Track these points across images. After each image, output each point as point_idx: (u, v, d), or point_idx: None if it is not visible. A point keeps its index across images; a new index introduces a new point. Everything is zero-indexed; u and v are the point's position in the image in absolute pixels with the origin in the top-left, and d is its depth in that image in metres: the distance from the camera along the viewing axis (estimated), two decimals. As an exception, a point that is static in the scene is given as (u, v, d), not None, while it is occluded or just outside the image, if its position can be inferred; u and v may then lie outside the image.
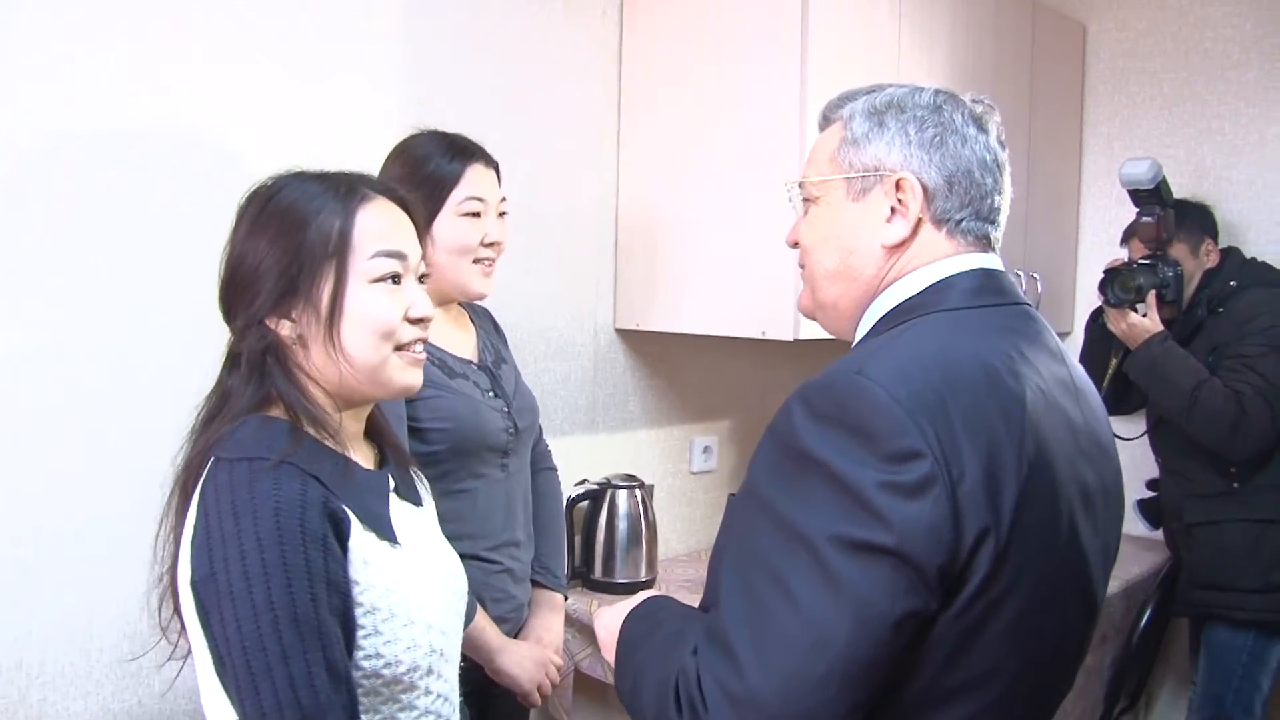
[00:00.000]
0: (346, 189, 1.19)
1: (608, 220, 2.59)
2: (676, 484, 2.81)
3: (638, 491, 2.45)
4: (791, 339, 2.25)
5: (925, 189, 1.11)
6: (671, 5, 2.48)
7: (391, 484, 1.25)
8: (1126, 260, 2.64)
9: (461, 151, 1.75)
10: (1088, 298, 3.30)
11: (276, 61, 1.95)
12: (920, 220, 1.12)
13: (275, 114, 1.94)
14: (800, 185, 1.21)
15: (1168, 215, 2.52)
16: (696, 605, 1.17)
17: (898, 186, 1.12)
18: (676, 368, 2.78)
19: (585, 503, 2.44)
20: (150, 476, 1.26)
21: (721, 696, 0.95)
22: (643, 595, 1.27)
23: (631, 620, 1.20)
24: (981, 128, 1.16)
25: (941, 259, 1.12)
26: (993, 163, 1.15)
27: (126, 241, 1.77)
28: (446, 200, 1.72)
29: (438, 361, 1.73)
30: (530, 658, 1.76)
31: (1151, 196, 2.49)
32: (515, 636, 1.81)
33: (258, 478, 1.07)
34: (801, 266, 1.23)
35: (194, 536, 1.08)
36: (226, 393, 1.18)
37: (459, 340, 1.83)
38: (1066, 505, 1.04)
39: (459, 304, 1.88)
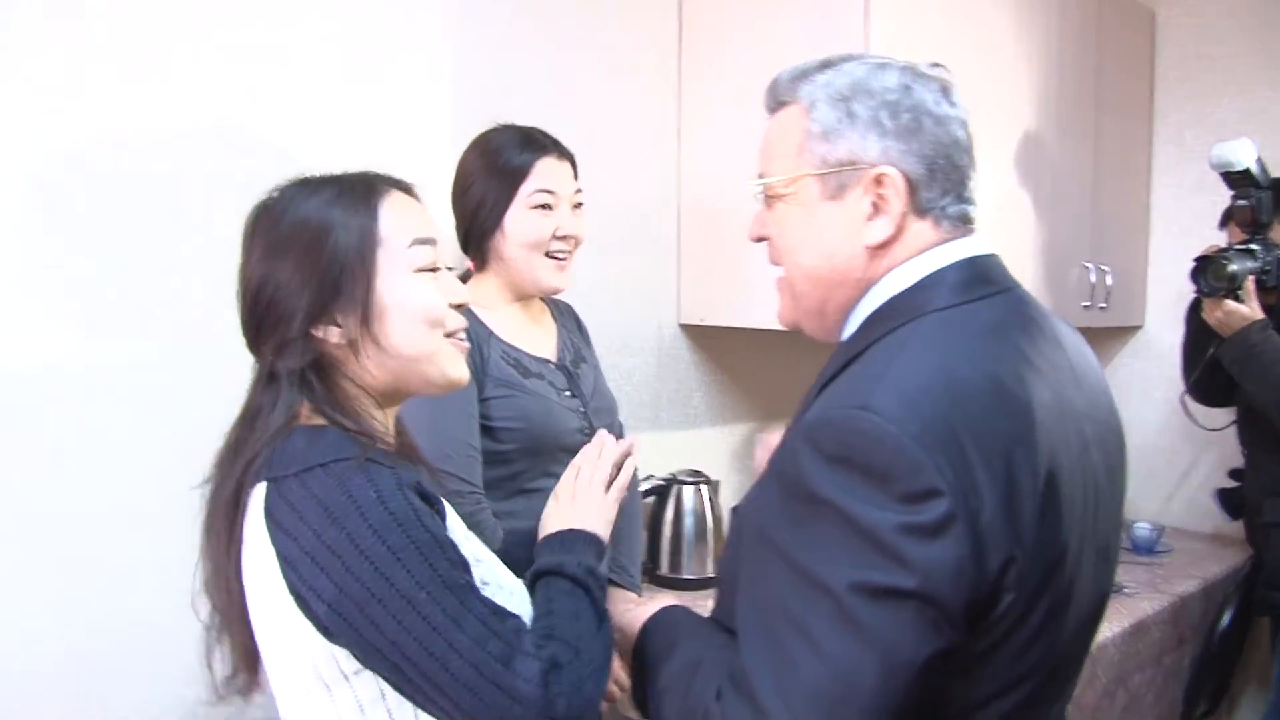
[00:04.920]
0: (366, 187, 1.17)
1: (670, 214, 2.57)
2: (742, 480, 2.78)
3: (703, 488, 2.43)
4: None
5: (908, 181, 1.04)
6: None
7: None
8: (1223, 246, 2.52)
9: (532, 144, 1.75)
10: (1159, 291, 3.23)
11: (328, 60, 1.95)
12: (904, 215, 1.05)
13: (326, 114, 1.94)
14: (766, 183, 1.11)
15: (1264, 197, 2.39)
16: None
17: (878, 182, 1.04)
18: (741, 363, 2.76)
19: (651, 499, 2.42)
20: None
21: None
22: (658, 604, 1.25)
23: (648, 633, 1.18)
24: (950, 100, 1.07)
25: (927, 249, 1.06)
26: (966, 138, 1.08)
27: (184, 247, 1.76)
28: (517, 193, 1.72)
29: (513, 361, 1.73)
30: None
31: (1245, 179, 2.37)
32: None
33: (348, 477, 1.04)
34: (775, 265, 1.15)
35: (290, 568, 1.03)
36: (255, 413, 1.14)
37: (538, 338, 1.83)
38: (1081, 503, 1.01)
39: (541, 300, 1.87)
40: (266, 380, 1.13)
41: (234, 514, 1.10)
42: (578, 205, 1.81)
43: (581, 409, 1.79)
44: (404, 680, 1.03)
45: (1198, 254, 2.50)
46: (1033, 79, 2.68)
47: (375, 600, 1.01)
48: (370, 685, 1.06)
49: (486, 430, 1.66)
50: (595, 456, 1.36)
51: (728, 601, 1.08)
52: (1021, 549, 0.92)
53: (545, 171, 1.74)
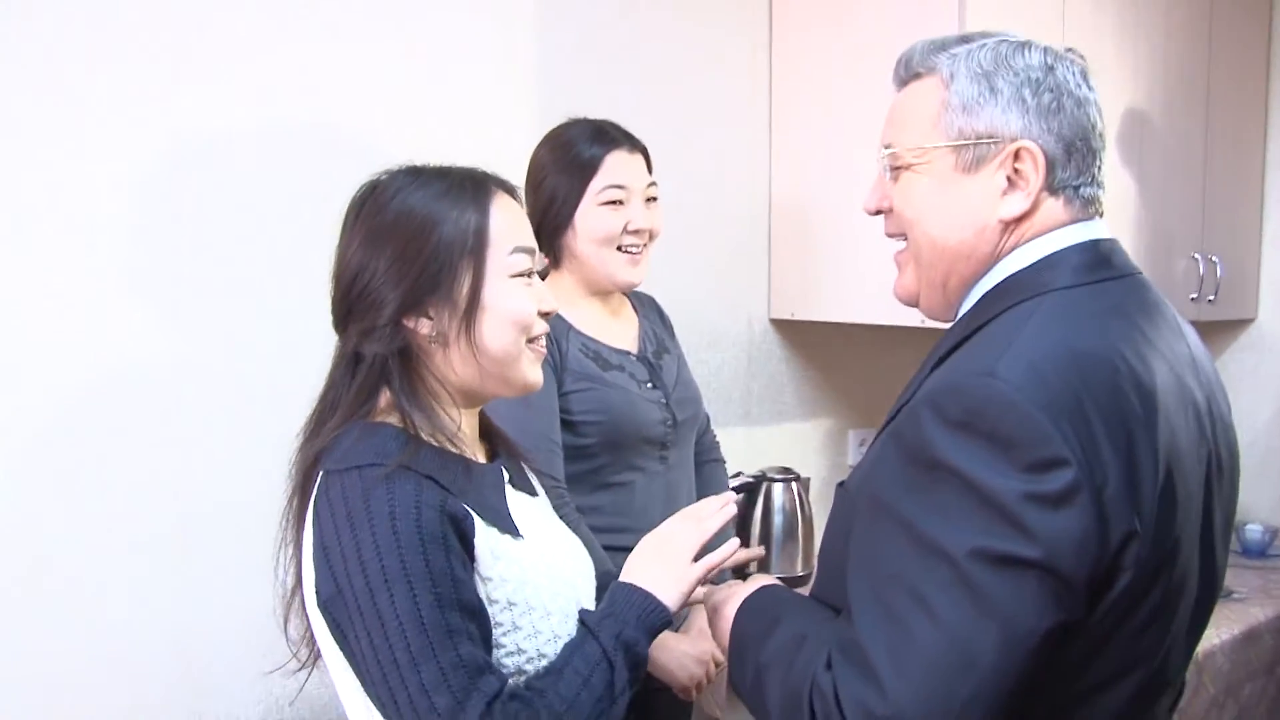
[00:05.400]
0: (475, 185, 1.18)
1: (760, 208, 2.54)
2: (834, 478, 2.74)
3: (794, 485, 2.39)
4: (949, 327, 2.16)
5: (1047, 158, 1.04)
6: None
7: (506, 476, 1.24)
8: None
9: (602, 138, 1.74)
10: (1274, 281, 3.10)
11: (413, 58, 1.97)
12: (1040, 191, 1.04)
13: (412, 111, 1.96)
14: (893, 152, 1.11)
15: None
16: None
17: (1016, 156, 1.04)
18: (832, 358, 2.72)
19: (740, 496, 2.40)
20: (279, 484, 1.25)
21: (864, 716, 0.90)
22: (755, 583, 1.23)
23: (745, 612, 1.17)
24: (1089, 84, 1.08)
25: (1053, 230, 1.05)
26: (1100, 123, 1.08)
27: (282, 241, 1.81)
28: (588, 188, 1.71)
29: (592, 354, 1.72)
30: (690, 654, 1.73)
31: None
32: (677, 630, 1.79)
33: (371, 486, 1.06)
34: (896, 237, 1.14)
35: (314, 555, 1.09)
36: (336, 397, 1.17)
37: (618, 331, 1.82)
38: (1196, 490, 0.99)
39: (622, 293, 1.87)
40: (350, 361, 1.16)
41: (305, 497, 1.15)
42: (651, 199, 1.78)
43: (664, 400, 1.78)
44: (366, 684, 1.06)
45: None
46: (1139, 59, 2.59)
47: (359, 613, 1.04)
48: None
49: (567, 424, 1.66)
50: (698, 518, 1.29)
51: (831, 583, 1.08)
52: (1142, 526, 0.91)
53: (616, 165, 1.73)
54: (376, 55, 1.92)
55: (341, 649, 1.08)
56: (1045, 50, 1.07)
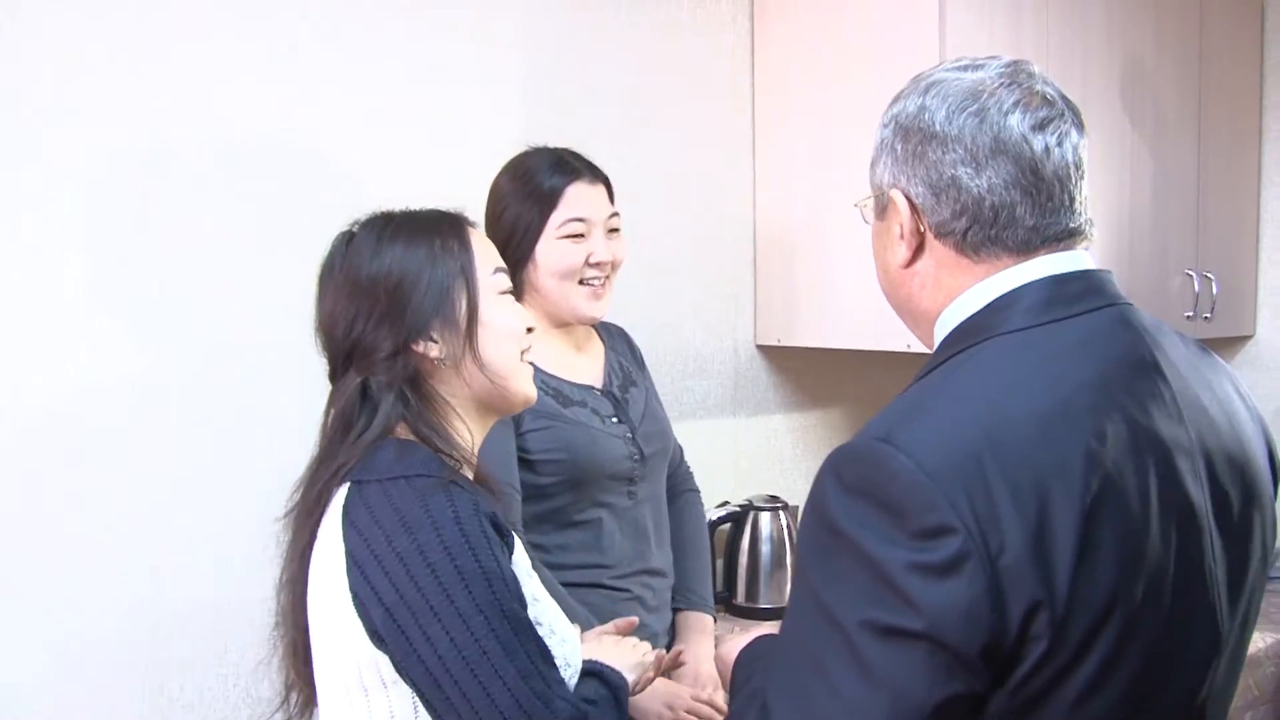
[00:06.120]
0: (452, 222, 1.26)
1: (745, 233, 2.52)
2: (823, 504, 2.71)
3: (781, 513, 2.37)
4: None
5: (911, 204, 1.03)
6: (802, 15, 2.40)
7: None
8: None
9: (562, 168, 1.70)
10: (1271, 297, 3.06)
11: (395, 83, 1.96)
12: (923, 238, 1.03)
13: (393, 138, 1.95)
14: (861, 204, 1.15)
15: None
16: None
17: (894, 203, 1.04)
18: (820, 384, 2.69)
19: (727, 525, 2.37)
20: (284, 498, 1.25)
21: None
22: (757, 632, 1.24)
23: (738, 665, 1.18)
24: (1031, 115, 0.99)
25: (992, 275, 1.00)
26: (989, 153, 0.98)
27: (252, 257, 1.80)
28: (548, 221, 1.68)
29: (552, 391, 1.69)
30: (660, 694, 1.68)
31: None
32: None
33: (429, 493, 1.08)
34: None
35: (355, 567, 1.07)
36: (347, 425, 1.18)
37: (582, 365, 1.79)
38: (1162, 544, 0.92)
39: (590, 326, 1.84)
40: (359, 394, 1.17)
41: (316, 512, 1.15)
42: (613, 230, 1.75)
43: (629, 434, 1.75)
44: (440, 697, 1.06)
45: None
46: (1129, 73, 2.55)
47: (433, 613, 1.04)
48: (406, 697, 1.09)
49: (527, 464, 1.63)
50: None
51: None
52: (1052, 594, 0.87)
53: (576, 198, 1.70)
54: (353, 74, 1.91)
55: (402, 658, 1.06)
56: (953, 88, 1.01)
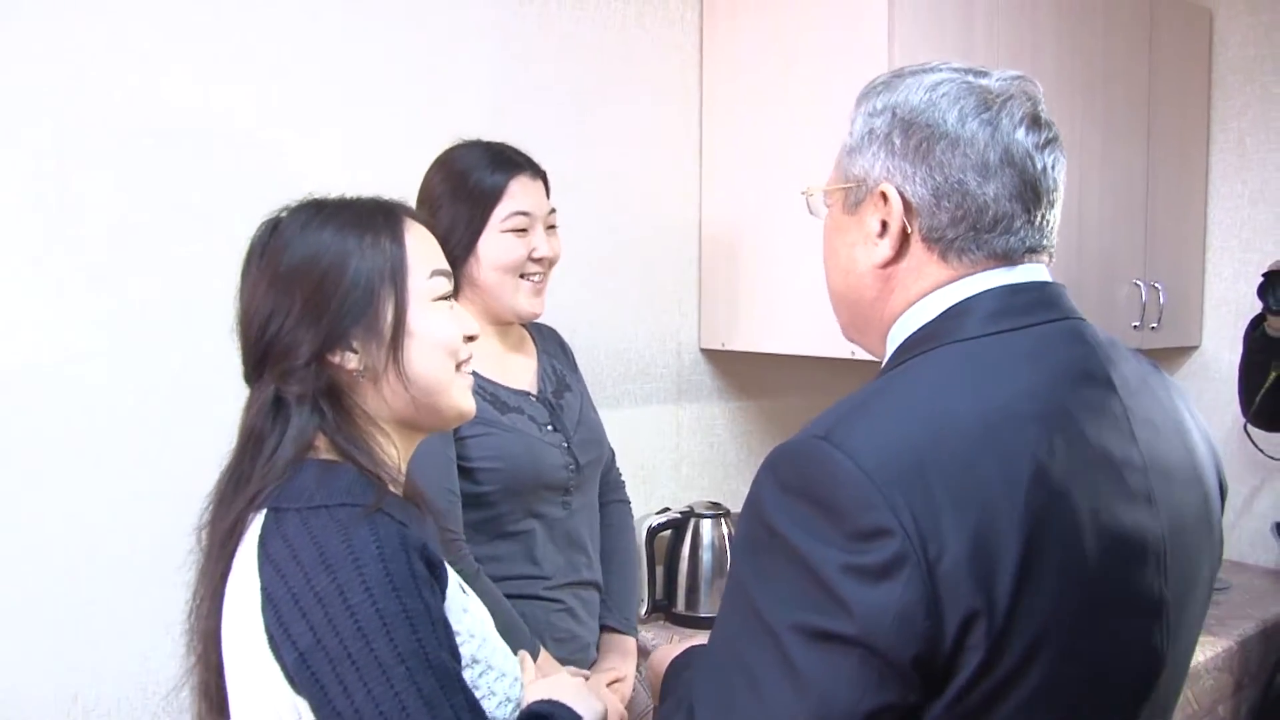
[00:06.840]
0: (386, 213, 1.14)
1: (690, 237, 2.48)
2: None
3: (723, 521, 2.33)
4: (881, 359, 2.10)
5: (906, 203, 0.99)
6: (752, 15, 2.36)
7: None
8: None
9: (504, 164, 1.66)
10: (1217, 309, 3.06)
11: (333, 72, 1.90)
12: (909, 238, 0.99)
13: (328, 126, 1.90)
14: (813, 194, 1.11)
15: None
16: None
17: (883, 198, 1.00)
18: (765, 390, 2.65)
19: (667, 532, 2.32)
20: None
21: None
22: (688, 643, 1.20)
23: (670, 672, 1.15)
24: (1034, 130, 0.99)
25: (957, 280, 0.98)
26: (999, 162, 0.98)
27: (185, 251, 1.75)
28: (491, 216, 1.63)
29: (490, 396, 1.63)
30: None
31: None
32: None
33: (353, 525, 0.98)
34: None
35: (270, 606, 0.97)
36: (258, 440, 1.07)
37: (516, 369, 1.74)
38: (1107, 564, 0.90)
39: (522, 326, 1.78)
40: (272, 406, 1.08)
41: (230, 542, 1.05)
42: (551, 227, 1.72)
43: (565, 443, 1.70)
44: None
45: (1266, 268, 2.34)
46: (1077, 83, 2.54)
47: (350, 661, 0.94)
48: None
49: (465, 471, 1.58)
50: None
51: None
52: (991, 605, 0.83)
53: (519, 192, 1.65)
54: (293, 68, 1.85)
55: (317, 706, 0.96)
56: (961, 87, 0.99)
